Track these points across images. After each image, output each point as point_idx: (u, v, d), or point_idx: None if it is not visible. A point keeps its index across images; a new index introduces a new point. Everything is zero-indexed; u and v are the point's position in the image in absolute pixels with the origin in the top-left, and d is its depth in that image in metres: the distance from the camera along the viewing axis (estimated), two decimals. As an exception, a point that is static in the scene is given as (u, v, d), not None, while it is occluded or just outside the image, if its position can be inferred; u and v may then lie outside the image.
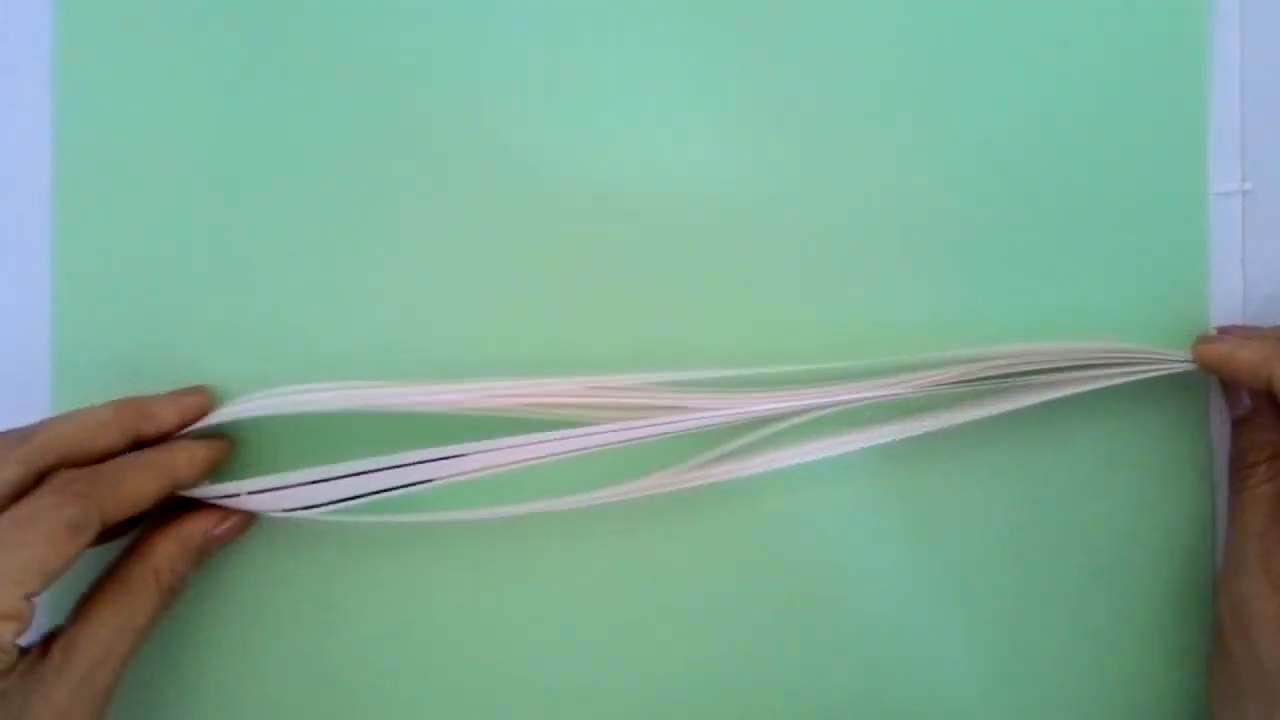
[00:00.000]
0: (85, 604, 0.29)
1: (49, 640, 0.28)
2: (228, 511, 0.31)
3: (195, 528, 0.31)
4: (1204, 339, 0.32)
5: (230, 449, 0.32)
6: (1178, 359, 0.31)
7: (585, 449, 0.30)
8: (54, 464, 0.28)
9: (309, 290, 0.33)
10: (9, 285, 0.33)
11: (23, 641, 0.27)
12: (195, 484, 0.31)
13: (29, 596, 0.26)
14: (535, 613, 0.33)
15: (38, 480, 0.28)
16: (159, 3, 0.33)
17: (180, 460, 0.30)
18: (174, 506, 0.31)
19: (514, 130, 0.33)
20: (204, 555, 0.31)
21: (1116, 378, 0.31)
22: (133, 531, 0.31)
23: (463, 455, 0.30)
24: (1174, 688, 0.34)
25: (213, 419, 0.31)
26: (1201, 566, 0.34)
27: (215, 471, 0.32)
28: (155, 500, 0.29)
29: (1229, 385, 0.33)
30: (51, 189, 0.33)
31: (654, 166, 0.33)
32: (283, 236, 0.33)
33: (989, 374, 0.31)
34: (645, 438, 0.30)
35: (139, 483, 0.29)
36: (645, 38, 0.33)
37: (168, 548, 0.30)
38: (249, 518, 0.32)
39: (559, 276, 0.33)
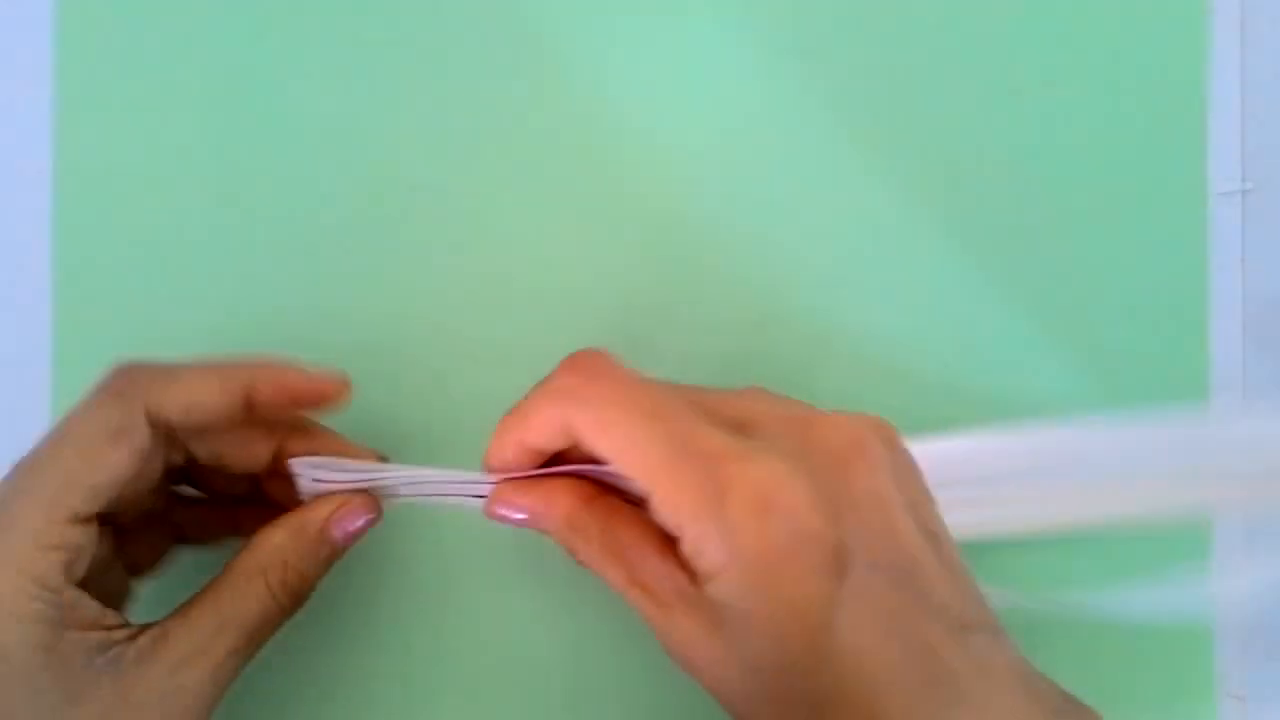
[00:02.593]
0: (188, 601, 0.26)
1: (145, 629, 0.25)
2: (349, 496, 0.28)
3: (310, 515, 0.27)
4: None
5: (347, 392, 0.28)
6: None
7: None
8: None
9: (310, 289, 0.33)
10: (9, 285, 0.33)
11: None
12: (278, 404, 0.27)
13: (75, 520, 0.24)
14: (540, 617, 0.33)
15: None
16: (160, 3, 0.33)
17: (261, 375, 0.26)
18: None
19: (530, 132, 0.33)
20: (331, 551, 0.27)
21: None
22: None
23: None
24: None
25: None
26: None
27: (324, 406, 0.28)
28: (225, 411, 0.26)
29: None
30: (52, 189, 0.33)
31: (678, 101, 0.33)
32: (284, 235, 0.33)
33: None
34: None
35: (198, 381, 0.26)
36: None
37: (275, 538, 0.27)
38: (376, 501, 0.28)
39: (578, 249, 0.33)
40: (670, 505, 0.24)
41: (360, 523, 0.28)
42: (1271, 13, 0.34)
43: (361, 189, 0.33)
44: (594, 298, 0.33)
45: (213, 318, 0.33)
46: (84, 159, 0.33)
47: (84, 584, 0.25)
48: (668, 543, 0.25)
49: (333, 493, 0.28)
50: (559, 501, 0.27)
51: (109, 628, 0.25)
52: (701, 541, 0.24)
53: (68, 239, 0.33)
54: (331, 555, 0.28)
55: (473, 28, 0.34)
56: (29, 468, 0.25)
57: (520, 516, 0.27)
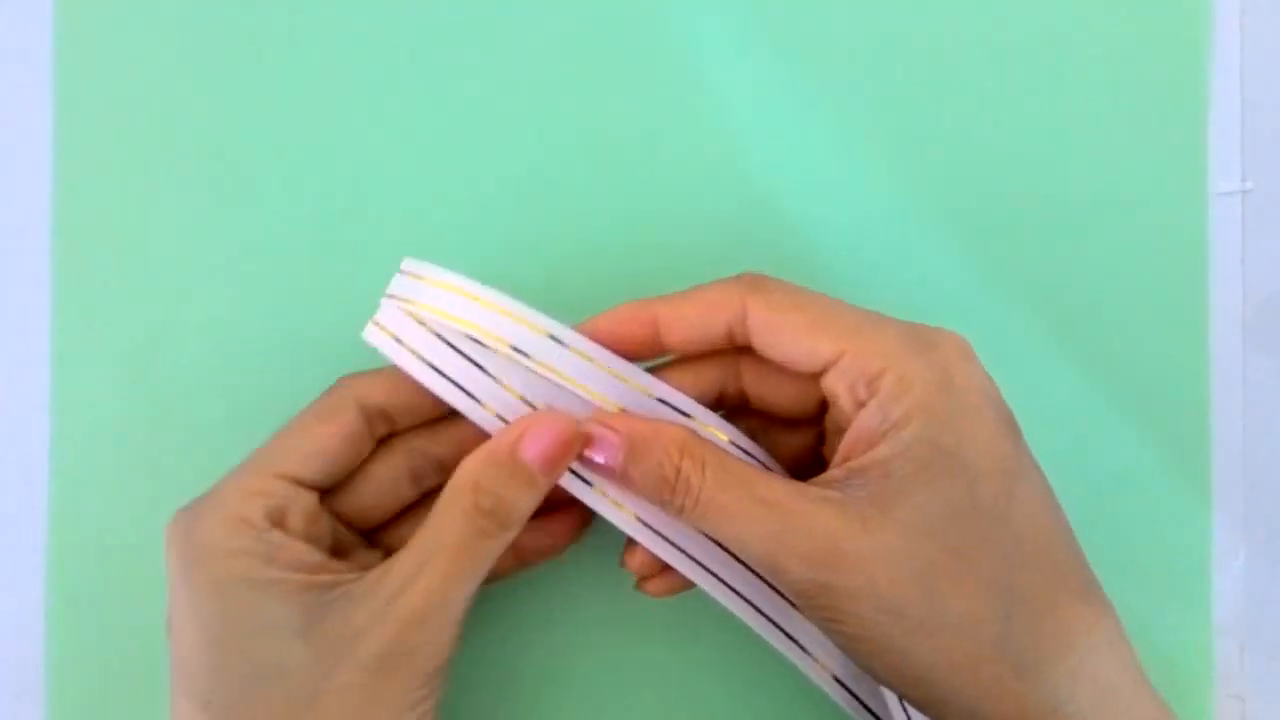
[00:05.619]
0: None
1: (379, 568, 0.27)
2: (536, 418, 0.27)
3: (500, 439, 0.27)
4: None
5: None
6: None
7: None
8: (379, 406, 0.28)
9: (310, 290, 0.33)
10: (9, 285, 0.33)
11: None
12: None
13: (279, 476, 0.27)
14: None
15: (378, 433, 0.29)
16: (160, 2, 0.33)
17: None
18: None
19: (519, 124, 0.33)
20: (530, 475, 0.27)
21: None
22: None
23: None
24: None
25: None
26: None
27: None
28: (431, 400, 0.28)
29: None
30: (51, 189, 0.33)
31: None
32: (284, 235, 0.33)
33: None
34: None
35: (397, 373, 0.28)
36: None
37: (468, 464, 0.27)
38: (564, 420, 0.27)
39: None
40: (875, 347, 0.25)
41: (548, 441, 0.27)
42: (1271, 13, 0.34)
43: (363, 187, 0.33)
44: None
45: (212, 317, 0.33)
46: (84, 159, 0.33)
47: (312, 539, 0.27)
48: (776, 470, 0.27)
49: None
50: (668, 429, 0.27)
51: (333, 570, 0.26)
52: (911, 376, 0.25)
53: (68, 239, 0.33)
54: (533, 479, 0.27)
55: (480, 30, 0.34)
56: (257, 450, 0.28)
57: (612, 447, 0.27)
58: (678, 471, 0.26)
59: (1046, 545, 0.25)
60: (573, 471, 0.28)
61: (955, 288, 0.34)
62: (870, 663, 0.25)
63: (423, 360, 0.27)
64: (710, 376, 0.29)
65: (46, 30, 0.33)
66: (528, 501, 0.27)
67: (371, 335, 0.28)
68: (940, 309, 0.33)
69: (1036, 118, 0.34)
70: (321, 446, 0.27)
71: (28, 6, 0.33)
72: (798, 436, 0.30)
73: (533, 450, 0.27)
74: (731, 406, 0.30)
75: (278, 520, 0.26)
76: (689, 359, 0.29)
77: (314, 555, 0.27)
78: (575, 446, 0.27)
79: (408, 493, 0.29)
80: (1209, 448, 0.34)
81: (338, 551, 0.28)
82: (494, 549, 0.27)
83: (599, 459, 0.27)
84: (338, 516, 0.29)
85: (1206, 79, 0.34)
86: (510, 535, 0.27)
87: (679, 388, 0.28)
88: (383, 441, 0.29)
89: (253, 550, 0.26)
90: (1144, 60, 0.34)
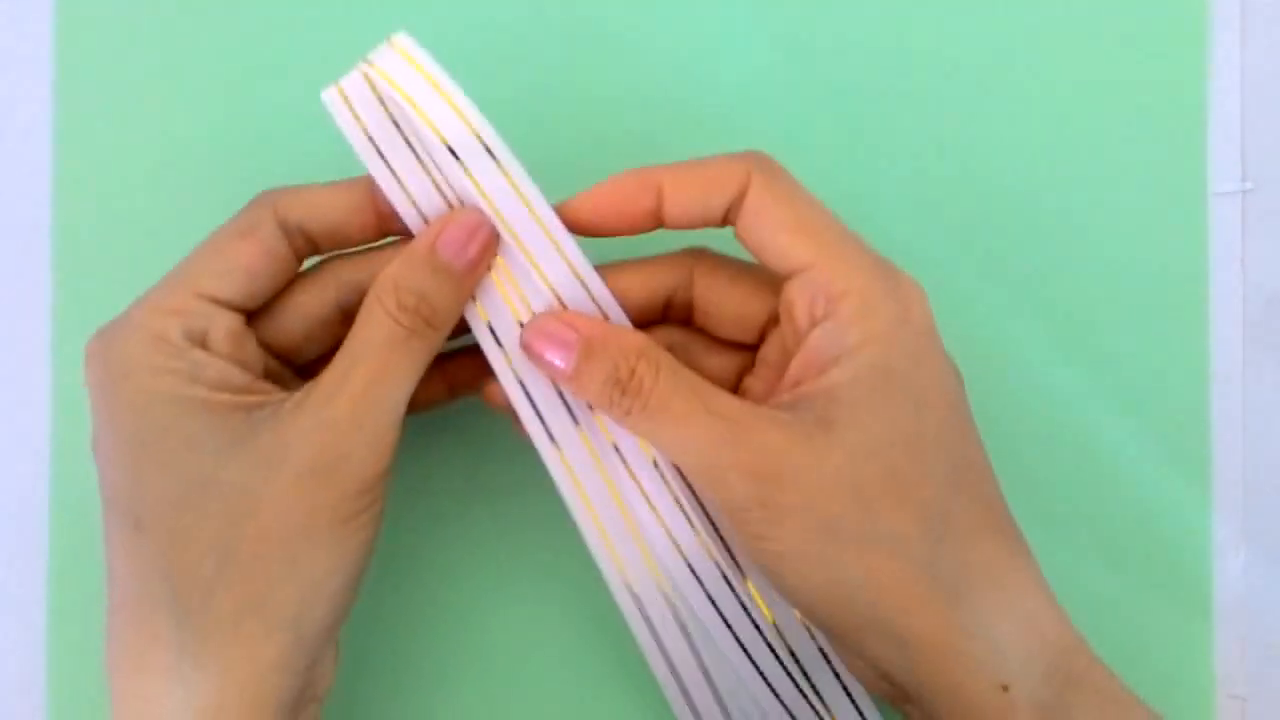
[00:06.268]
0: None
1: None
2: (454, 215, 0.27)
3: (419, 239, 0.27)
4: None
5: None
6: None
7: None
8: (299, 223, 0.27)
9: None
10: (9, 284, 0.33)
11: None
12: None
13: (197, 295, 0.26)
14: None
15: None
16: (160, 1, 0.33)
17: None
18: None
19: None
20: (450, 273, 0.26)
21: None
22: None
23: None
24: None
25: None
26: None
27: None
28: (353, 215, 0.27)
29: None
30: (51, 189, 0.33)
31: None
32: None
33: None
34: None
35: (324, 190, 0.27)
36: None
37: (391, 267, 0.26)
38: (483, 219, 0.27)
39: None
40: (844, 268, 0.26)
41: (466, 236, 0.26)
42: (1271, 13, 0.34)
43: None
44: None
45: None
46: (84, 159, 0.33)
47: (240, 362, 0.26)
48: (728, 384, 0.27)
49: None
50: (629, 334, 0.27)
51: (263, 392, 0.26)
52: (874, 304, 0.25)
53: (68, 238, 0.33)
54: (454, 278, 0.26)
55: (480, 29, 0.34)
56: (173, 267, 0.27)
57: (568, 348, 0.26)
58: (632, 372, 0.26)
59: (980, 480, 0.26)
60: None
61: (954, 286, 0.34)
62: (795, 583, 0.25)
63: (369, 138, 0.27)
64: (662, 280, 0.28)
65: (46, 29, 0.33)
66: (452, 298, 0.27)
67: (329, 97, 0.27)
68: (938, 308, 0.33)
69: (1036, 118, 0.34)
70: (241, 263, 0.26)
71: (28, 4, 0.33)
72: (728, 360, 0.29)
73: (451, 247, 0.26)
74: (674, 318, 0.29)
75: (198, 340, 0.26)
76: (644, 259, 0.28)
77: (241, 376, 0.26)
78: (495, 242, 0.27)
79: (339, 328, 0.28)
80: (1209, 448, 0.34)
81: (274, 382, 0.27)
82: (423, 350, 0.26)
83: (556, 361, 0.26)
84: (271, 349, 0.28)
85: (1206, 79, 0.34)
86: (438, 336, 0.27)
87: (630, 286, 0.28)
88: (311, 274, 0.28)
89: (174, 368, 0.25)
90: (1144, 60, 0.34)
